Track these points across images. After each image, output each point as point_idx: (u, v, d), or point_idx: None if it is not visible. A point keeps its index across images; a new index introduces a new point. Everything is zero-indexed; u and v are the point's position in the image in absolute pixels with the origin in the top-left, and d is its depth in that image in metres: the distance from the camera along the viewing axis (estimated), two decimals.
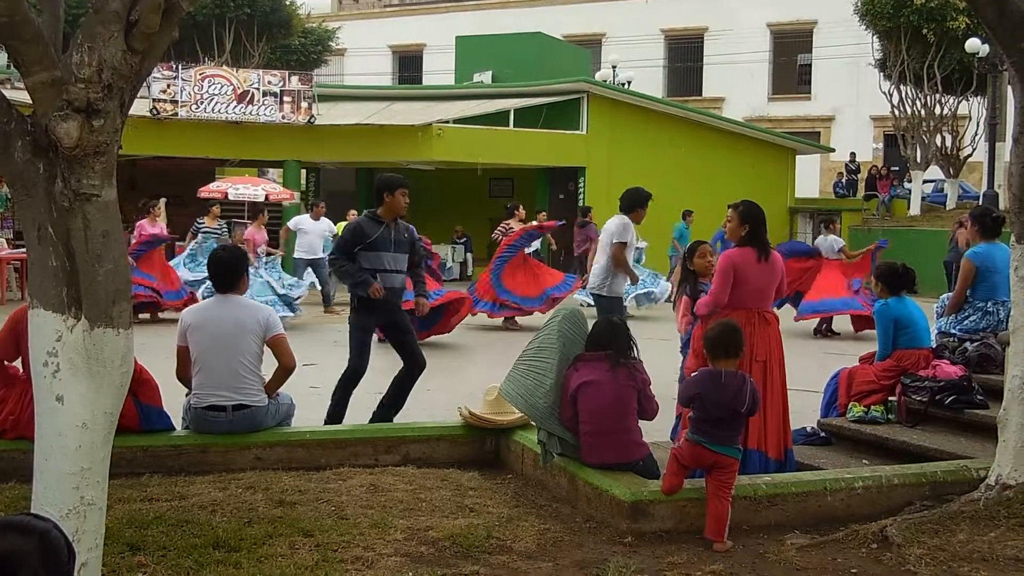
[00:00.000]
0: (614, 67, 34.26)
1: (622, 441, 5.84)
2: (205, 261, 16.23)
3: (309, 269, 17.72)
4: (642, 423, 5.99)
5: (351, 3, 56.22)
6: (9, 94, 4.01)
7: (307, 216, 18.21)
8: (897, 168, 33.09)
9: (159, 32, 3.72)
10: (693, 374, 5.70)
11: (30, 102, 3.69)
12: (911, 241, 23.89)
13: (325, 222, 18.06)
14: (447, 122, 23.63)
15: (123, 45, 3.64)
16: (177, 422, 6.72)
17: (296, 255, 17.81)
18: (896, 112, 29.68)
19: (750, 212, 6.78)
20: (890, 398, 7.83)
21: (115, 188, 3.87)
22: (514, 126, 24.66)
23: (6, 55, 3.77)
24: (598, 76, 31.26)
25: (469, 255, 27.05)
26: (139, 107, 22.38)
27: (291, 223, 18.13)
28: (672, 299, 7.99)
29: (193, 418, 6.54)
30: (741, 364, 6.16)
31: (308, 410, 8.53)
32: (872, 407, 7.64)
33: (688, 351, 7.31)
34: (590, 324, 6.27)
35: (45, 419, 3.76)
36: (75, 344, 3.69)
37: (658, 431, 7.00)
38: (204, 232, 17.96)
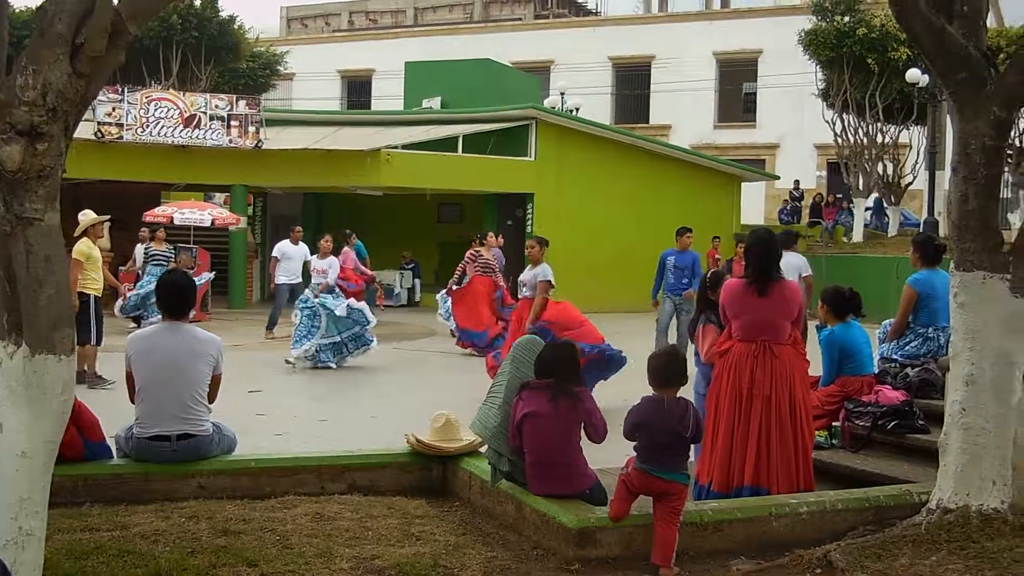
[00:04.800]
0: (562, 94, 34.47)
1: (566, 474, 5.84)
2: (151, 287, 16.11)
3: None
4: (592, 447, 5.98)
5: (300, 27, 56.17)
6: None
7: (287, 241, 18.12)
8: (841, 196, 33.53)
9: (105, 55, 3.70)
10: (634, 404, 5.70)
11: None
12: (854, 267, 24.20)
13: (303, 246, 18.00)
14: (396, 147, 23.61)
15: (68, 68, 3.61)
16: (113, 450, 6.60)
17: (279, 281, 17.68)
18: (839, 140, 30.11)
19: (749, 245, 6.69)
20: (833, 423, 7.91)
21: (58, 212, 3.82)
22: (463, 152, 24.70)
23: None
24: (547, 103, 31.41)
25: (417, 280, 27.00)
26: (84, 130, 22.12)
27: (276, 251, 18.03)
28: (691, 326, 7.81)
29: (136, 447, 6.43)
30: (742, 398, 6.19)
31: (254, 437, 8.47)
32: (816, 432, 7.70)
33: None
34: None
35: None
36: (15, 371, 3.63)
37: (611, 456, 6.99)
38: (154, 256, 17.82)
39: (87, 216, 12.24)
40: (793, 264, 14.00)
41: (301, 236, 18.33)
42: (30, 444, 3.67)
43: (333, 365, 14.05)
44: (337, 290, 14.79)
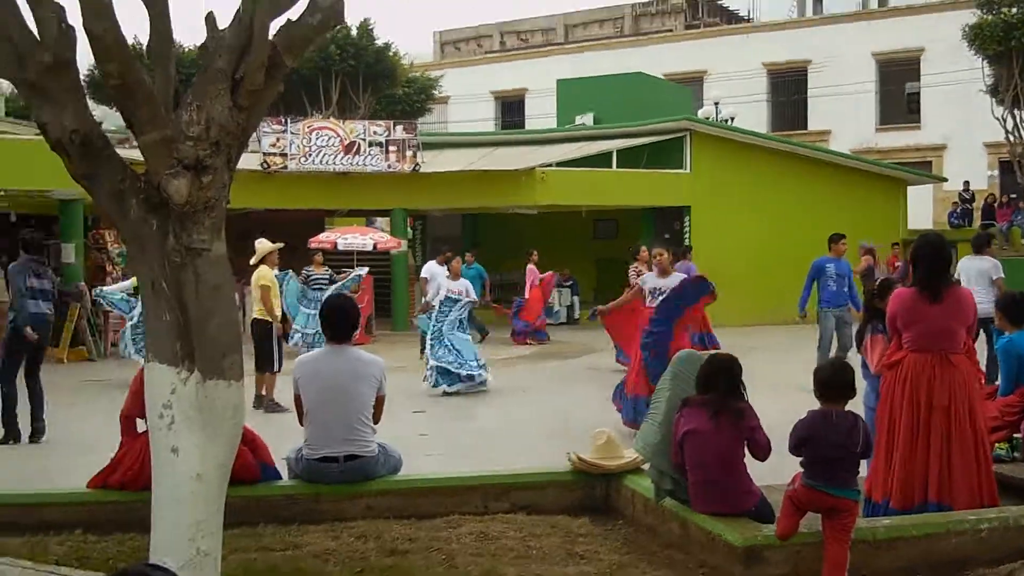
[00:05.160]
0: (716, 104, 34.08)
1: (730, 492, 5.73)
2: (314, 310, 16.44)
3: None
4: (756, 464, 5.86)
5: (452, 51, 57.09)
6: (123, 152, 4.15)
7: (433, 263, 18.41)
8: (1015, 195, 32.11)
9: (264, 88, 3.81)
10: (801, 417, 5.54)
11: (143, 159, 3.81)
12: None
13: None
14: (550, 165, 23.71)
15: (229, 102, 3.74)
16: (283, 471, 6.79)
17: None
18: (1011, 138, 28.89)
19: (917, 250, 6.45)
20: (1015, 435, 7.56)
21: (224, 242, 3.96)
22: (617, 167, 24.63)
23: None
24: (700, 114, 31.07)
25: (576, 298, 26.99)
26: (250, 161, 22.96)
27: (424, 272, 18.42)
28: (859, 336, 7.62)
29: (305, 469, 6.60)
30: (919, 411, 5.97)
31: (418, 459, 8.59)
32: (996, 444, 7.36)
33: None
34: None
35: (161, 471, 3.84)
36: (188, 396, 3.77)
37: (773, 472, 6.82)
38: (315, 280, 18.30)
39: (264, 244, 12.67)
40: (981, 268, 13.39)
41: (449, 258, 18.43)
42: (204, 467, 3.80)
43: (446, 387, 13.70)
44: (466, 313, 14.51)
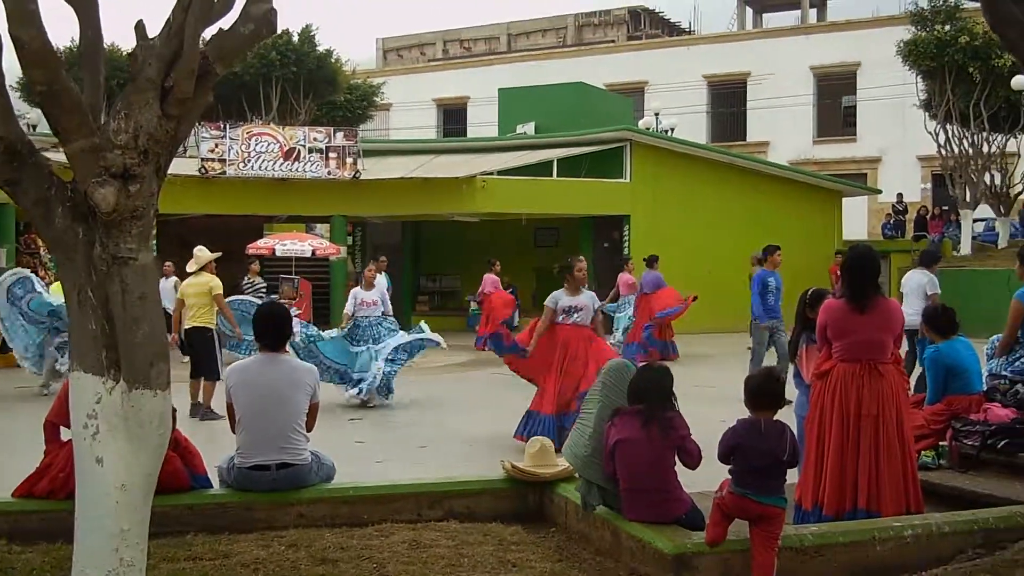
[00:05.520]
0: (657, 115, 34.34)
1: (660, 500, 5.78)
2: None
3: None
4: (686, 471, 5.93)
5: (395, 58, 57.00)
6: (51, 155, 4.11)
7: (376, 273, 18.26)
8: (947, 208, 32.73)
9: (194, 97, 3.80)
10: (730, 425, 5.62)
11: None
12: (964, 281, 23.53)
13: (383, 276, 18.10)
14: (491, 173, 23.77)
15: (158, 111, 3.72)
16: (214, 480, 6.75)
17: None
18: (943, 151, 29.41)
19: (846, 260, 6.55)
20: (940, 443, 7.72)
21: (152, 251, 3.93)
22: (557, 176, 24.74)
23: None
24: (641, 124, 31.32)
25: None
26: (188, 166, 22.77)
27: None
28: (791, 346, 7.66)
29: (237, 477, 6.57)
30: (849, 420, 6.07)
31: (353, 465, 8.57)
32: (923, 452, 7.51)
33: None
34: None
35: (85, 481, 3.80)
36: (113, 406, 3.74)
37: (704, 479, 6.90)
38: (255, 287, 18.18)
39: (204, 252, 12.59)
40: (919, 281, 13.51)
41: (385, 266, 18.33)
42: (129, 477, 3.77)
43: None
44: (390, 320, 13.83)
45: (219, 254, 13.01)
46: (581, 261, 10.52)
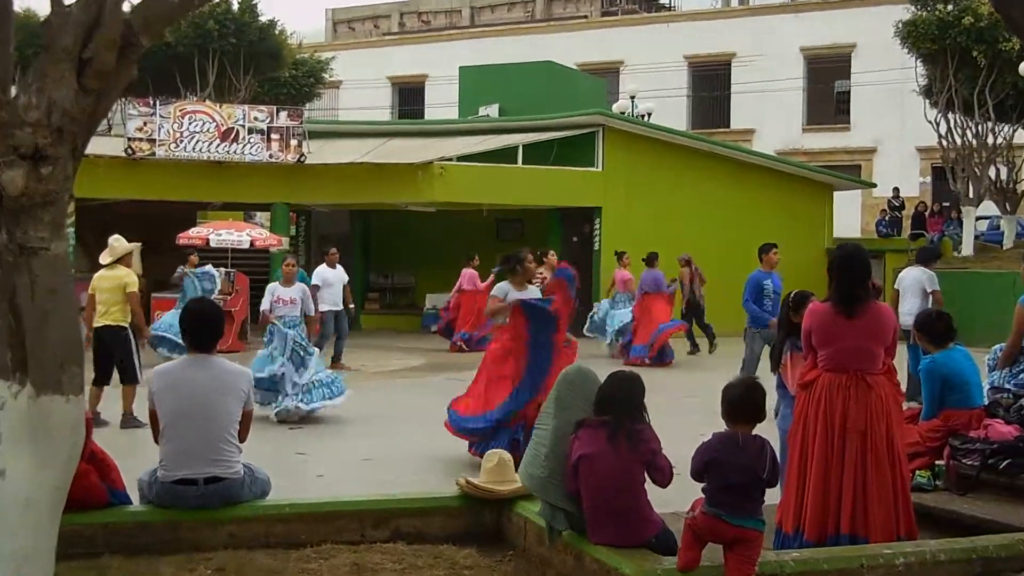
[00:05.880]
0: (632, 98, 34.45)
1: (628, 520, 5.78)
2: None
3: None
4: (657, 489, 5.93)
5: (346, 31, 56.81)
6: None
7: (324, 266, 18.29)
8: (948, 204, 33.02)
9: (115, 71, 3.76)
10: (705, 440, 5.63)
11: None
12: (964, 284, 23.69)
13: (341, 269, 18.14)
14: (450, 159, 23.72)
15: (75, 85, 3.68)
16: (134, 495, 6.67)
17: (323, 308, 17.73)
18: (944, 143, 29.60)
19: (834, 261, 6.55)
20: (937, 462, 7.76)
21: (67, 241, 3.89)
22: (523, 163, 24.72)
23: None
24: (615, 108, 31.43)
25: None
26: (113, 146, 22.57)
27: (315, 278, 18.10)
28: (774, 354, 7.68)
29: (160, 492, 6.50)
30: (834, 435, 6.08)
31: (290, 479, 8.53)
32: (917, 472, 7.56)
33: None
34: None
35: None
36: (19, 412, 3.69)
37: (678, 498, 6.91)
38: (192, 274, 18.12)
39: (121, 243, 12.43)
40: (916, 277, 13.73)
41: (338, 258, 18.40)
42: (35, 491, 3.72)
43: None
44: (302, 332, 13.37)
45: (137, 245, 12.87)
46: (529, 253, 10.63)
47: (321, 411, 12.76)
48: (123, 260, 12.36)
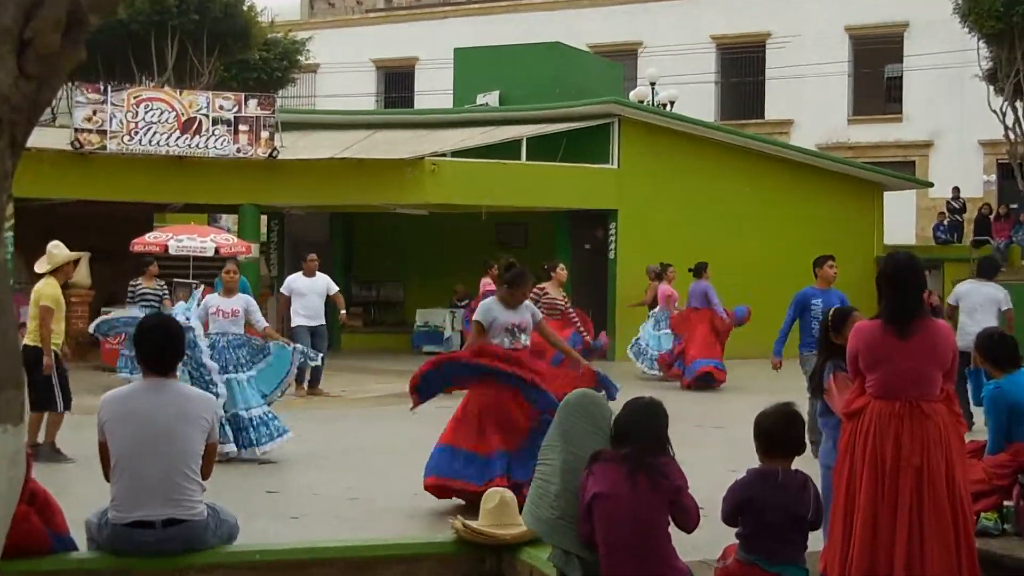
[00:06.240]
0: (653, 84, 34.48)
1: (651, 569, 5.77)
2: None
3: None
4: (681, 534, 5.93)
5: (325, 7, 56.88)
6: None
7: (299, 274, 18.30)
8: (1016, 206, 33.01)
9: (60, 53, 3.76)
10: (738, 477, 5.63)
11: None
12: None
13: (321, 278, 18.14)
14: (443, 155, 23.75)
15: (15, 69, 3.68)
16: (81, 542, 6.66)
17: (296, 323, 17.76)
18: (1011, 135, 29.63)
19: (884, 272, 6.53)
20: (1005, 503, 7.75)
21: (4, 247, 3.89)
22: (527, 159, 24.76)
23: None
24: (632, 96, 31.42)
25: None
26: (58, 139, 22.60)
27: (284, 288, 18.12)
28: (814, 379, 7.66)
29: (111, 536, 6.49)
30: (884, 471, 6.06)
31: (262, 521, 8.52)
32: (982, 514, 7.54)
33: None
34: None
35: None
36: None
37: (707, 543, 6.91)
38: (143, 296, 18.03)
39: (60, 251, 12.36)
40: (989, 294, 13.97)
41: (317, 266, 18.40)
42: None
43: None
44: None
45: (80, 254, 12.81)
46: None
47: (295, 442, 12.76)
48: (63, 270, 12.29)
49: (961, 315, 14.25)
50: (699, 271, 20.13)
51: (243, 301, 13.24)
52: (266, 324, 13.55)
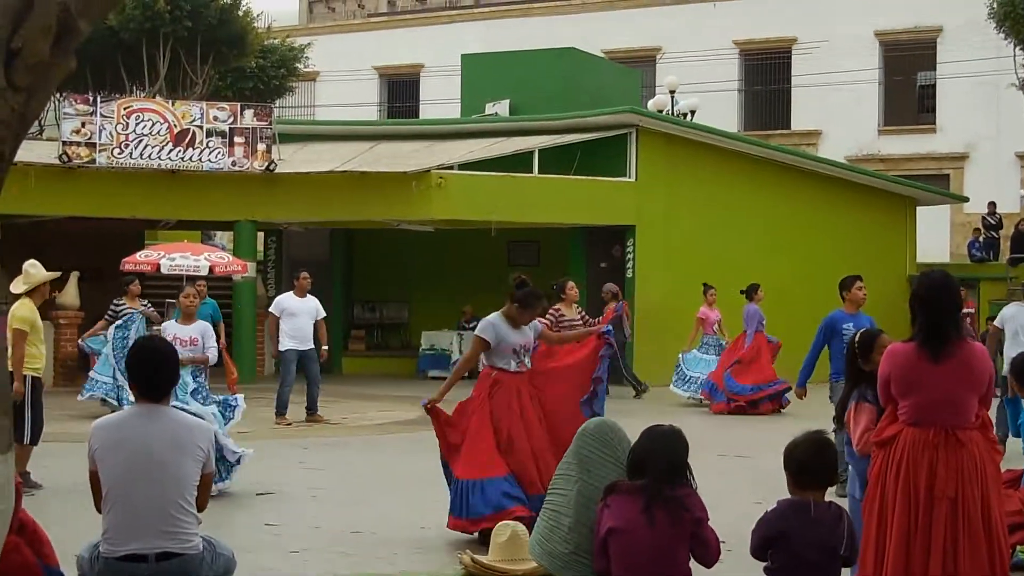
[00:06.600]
0: (672, 93, 34.49)
1: None
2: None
3: None
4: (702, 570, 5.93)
5: (325, 12, 57.02)
6: None
7: (290, 294, 18.29)
8: None
9: (50, 63, 3.78)
10: (769, 509, 5.62)
11: None
12: None
13: (312, 300, 18.10)
14: (450, 167, 23.76)
15: (2, 80, 3.70)
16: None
17: (284, 347, 17.73)
18: None
19: (917, 291, 6.55)
20: None
21: None
22: (539, 172, 24.74)
23: None
24: (651, 105, 31.45)
25: None
26: (46, 152, 22.66)
27: (274, 307, 18.11)
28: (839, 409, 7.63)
29: (103, 571, 6.50)
30: (918, 502, 6.05)
31: (260, 555, 8.52)
32: (1018, 548, 7.55)
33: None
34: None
35: None
36: None
37: None
38: (125, 317, 18.03)
39: (37, 271, 12.32)
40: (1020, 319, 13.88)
41: (309, 285, 18.31)
42: None
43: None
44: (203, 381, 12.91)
45: (56, 274, 12.80)
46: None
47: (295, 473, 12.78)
48: (39, 290, 12.28)
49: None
50: (750, 293, 20.16)
51: (201, 328, 13.07)
52: (216, 357, 13.41)
